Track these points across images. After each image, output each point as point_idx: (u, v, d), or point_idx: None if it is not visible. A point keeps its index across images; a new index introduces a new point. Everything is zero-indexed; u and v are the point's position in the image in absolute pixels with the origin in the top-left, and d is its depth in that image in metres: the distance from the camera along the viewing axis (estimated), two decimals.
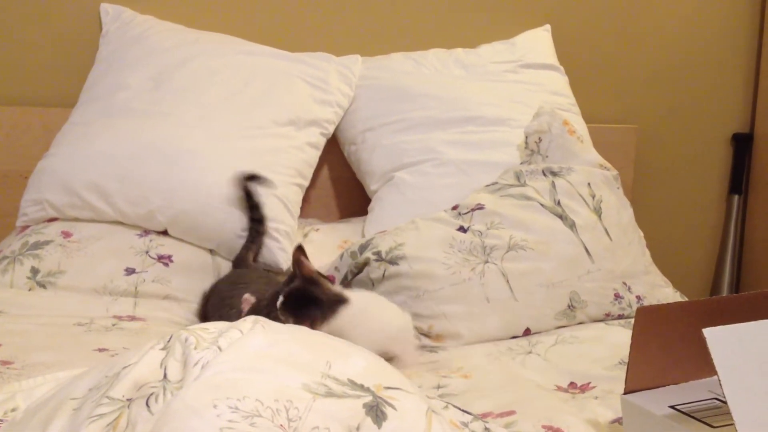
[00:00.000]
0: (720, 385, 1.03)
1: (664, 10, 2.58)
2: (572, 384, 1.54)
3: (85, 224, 2.00)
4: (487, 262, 1.82)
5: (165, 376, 1.00)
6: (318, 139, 2.18)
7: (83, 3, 2.36)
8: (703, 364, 1.08)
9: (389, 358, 1.46)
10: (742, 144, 2.66)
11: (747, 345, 1.07)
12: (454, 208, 1.93)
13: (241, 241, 1.95)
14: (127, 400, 0.98)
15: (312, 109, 2.18)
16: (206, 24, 2.35)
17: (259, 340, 1.05)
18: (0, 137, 2.29)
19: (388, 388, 1.04)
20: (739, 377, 1.04)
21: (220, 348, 1.03)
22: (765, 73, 2.60)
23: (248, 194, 1.95)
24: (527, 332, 1.79)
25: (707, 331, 1.05)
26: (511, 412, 1.37)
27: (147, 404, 0.97)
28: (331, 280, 1.79)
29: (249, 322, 1.10)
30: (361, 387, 1.02)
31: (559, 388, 1.53)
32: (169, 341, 1.05)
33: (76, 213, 2.00)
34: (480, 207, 1.90)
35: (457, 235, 1.86)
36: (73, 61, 2.35)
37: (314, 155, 2.18)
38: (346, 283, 1.81)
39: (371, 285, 1.78)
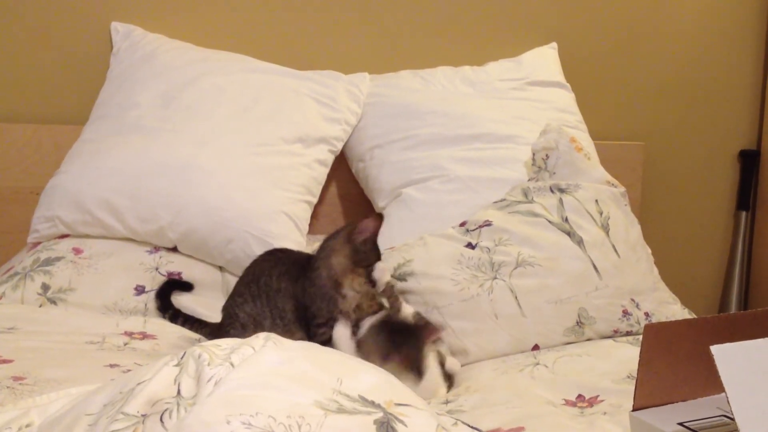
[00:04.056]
0: (728, 402, 1.03)
1: (671, 28, 2.60)
2: (580, 397, 1.55)
3: (95, 241, 2.01)
4: (495, 278, 1.82)
5: (179, 392, 1.01)
6: (326, 156, 2.20)
7: (94, 21, 2.38)
8: (711, 382, 1.09)
9: None
10: (749, 160, 2.67)
11: (755, 362, 1.07)
12: (462, 224, 1.94)
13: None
14: (142, 416, 0.99)
15: (320, 126, 2.20)
16: (215, 42, 2.37)
17: (272, 357, 1.06)
18: (11, 154, 2.31)
19: (399, 404, 1.05)
20: (747, 394, 1.04)
21: (232, 364, 1.03)
22: None
23: None
24: (536, 348, 1.80)
25: (715, 349, 1.05)
26: (520, 429, 1.37)
27: (161, 420, 0.97)
28: None
29: (261, 338, 1.11)
30: (372, 403, 1.03)
31: (568, 402, 1.53)
32: (182, 358, 1.06)
33: (87, 230, 2.01)
34: (488, 223, 1.92)
35: (466, 251, 1.87)
36: (84, 79, 2.37)
37: (323, 172, 2.19)
38: None
39: None
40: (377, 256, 1.66)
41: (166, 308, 1.89)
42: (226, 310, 1.76)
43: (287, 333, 1.63)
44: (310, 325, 1.63)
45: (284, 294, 1.68)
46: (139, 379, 1.04)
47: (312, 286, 1.65)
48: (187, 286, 1.96)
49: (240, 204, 2.00)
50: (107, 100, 2.23)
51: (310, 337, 1.63)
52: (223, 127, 2.12)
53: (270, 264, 1.75)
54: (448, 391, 1.65)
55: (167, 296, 1.91)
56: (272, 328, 1.63)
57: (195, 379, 1.02)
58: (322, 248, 1.70)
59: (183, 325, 1.85)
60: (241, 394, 0.98)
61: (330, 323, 1.61)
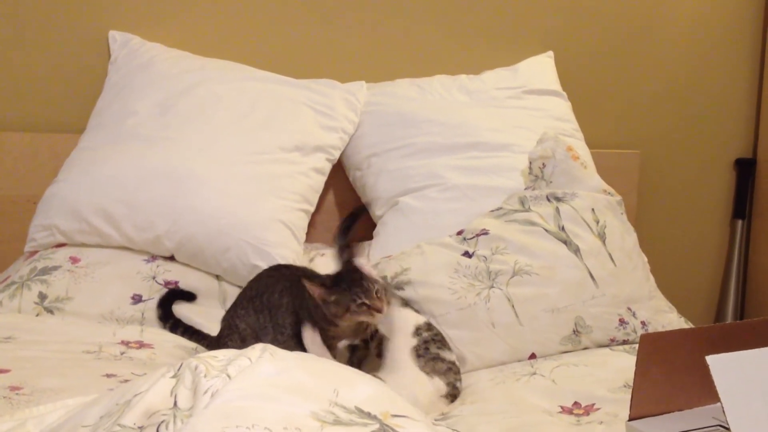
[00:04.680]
0: (723, 412, 1.04)
1: (666, 37, 2.61)
2: (576, 404, 1.55)
3: (92, 249, 2.01)
4: (492, 287, 1.83)
5: (175, 404, 1.01)
6: (323, 165, 2.20)
7: (92, 30, 2.38)
8: (707, 391, 1.09)
9: None
10: (745, 169, 2.68)
11: (750, 372, 1.08)
12: (459, 233, 1.95)
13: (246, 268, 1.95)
14: (139, 428, 0.99)
15: (317, 134, 2.20)
16: (212, 51, 2.38)
17: (268, 368, 1.06)
18: (8, 163, 2.31)
19: (395, 416, 1.05)
20: (743, 404, 1.05)
21: (229, 376, 1.04)
22: (767, 99, 2.62)
23: None
24: (532, 357, 1.80)
25: (710, 359, 1.06)
26: None
27: None
28: None
29: (257, 349, 1.11)
30: (368, 415, 1.03)
31: (564, 410, 1.54)
32: (179, 369, 1.06)
33: (84, 238, 2.01)
34: (485, 232, 1.92)
35: (463, 260, 1.87)
36: (82, 87, 2.37)
37: (320, 181, 2.19)
38: None
39: None
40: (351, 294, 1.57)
41: (167, 318, 1.88)
42: (226, 321, 1.76)
43: (286, 348, 1.63)
44: (305, 341, 1.63)
45: (286, 309, 1.68)
46: (136, 390, 1.04)
47: (306, 307, 1.65)
48: (189, 296, 1.95)
49: (237, 212, 2.00)
50: (105, 108, 2.23)
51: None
52: (220, 135, 2.12)
53: (274, 280, 1.75)
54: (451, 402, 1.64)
55: (168, 306, 1.90)
56: (273, 343, 1.62)
57: (192, 391, 1.02)
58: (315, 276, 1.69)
59: (182, 335, 1.85)
60: (237, 406, 0.98)
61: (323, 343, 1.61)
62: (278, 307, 1.69)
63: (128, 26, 2.38)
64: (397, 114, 2.28)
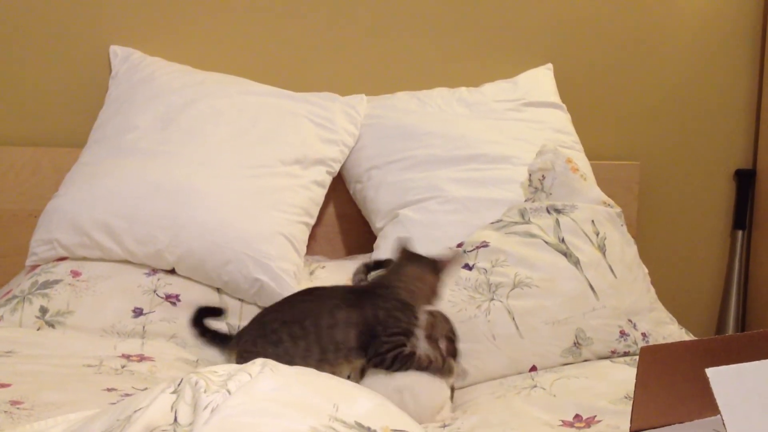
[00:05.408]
0: (723, 424, 1.04)
1: (665, 48, 2.61)
2: (577, 417, 1.55)
3: (93, 263, 2.01)
4: (492, 299, 1.83)
5: (175, 419, 1.01)
6: (324, 178, 2.20)
7: (93, 45, 2.39)
8: (707, 403, 1.09)
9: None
10: (745, 180, 2.68)
11: (750, 385, 1.08)
12: (459, 245, 1.95)
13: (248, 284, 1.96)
14: None
15: (318, 148, 2.21)
16: (213, 65, 2.39)
17: (268, 383, 1.06)
18: (10, 177, 2.32)
19: (395, 430, 1.05)
20: (743, 417, 1.05)
21: (229, 391, 1.04)
22: (767, 110, 2.63)
23: None
24: (533, 369, 1.80)
25: (710, 371, 1.06)
26: None
27: None
28: None
29: (258, 365, 1.12)
30: (368, 429, 1.03)
31: (565, 423, 1.53)
32: (179, 385, 1.07)
33: (85, 252, 2.02)
34: (485, 244, 1.92)
35: (463, 272, 1.88)
36: (83, 101, 2.38)
37: (320, 193, 2.19)
38: None
39: None
40: None
41: (204, 333, 1.88)
42: (239, 349, 1.74)
43: (346, 362, 1.65)
44: (380, 338, 1.63)
45: (343, 325, 1.66)
46: (136, 406, 1.04)
47: (388, 302, 1.68)
48: (217, 312, 1.94)
49: (238, 226, 2.00)
50: (106, 122, 2.24)
51: (377, 353, 1.63)
52: (220, 149, 2.13)
53: (314, 304, 1.72)
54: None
55: (200, 322, 1.89)
56: (319, 364, 1.61)
57: (192, 407, 1.03)
58: (395, 272, 1.76)
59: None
60: (237, 422, 0.98)
61: (407, 333, 1.65)
62: (330, 327, 1.65)
63: (129, 41, 2.39)
64: (397, 127, 2.29)
